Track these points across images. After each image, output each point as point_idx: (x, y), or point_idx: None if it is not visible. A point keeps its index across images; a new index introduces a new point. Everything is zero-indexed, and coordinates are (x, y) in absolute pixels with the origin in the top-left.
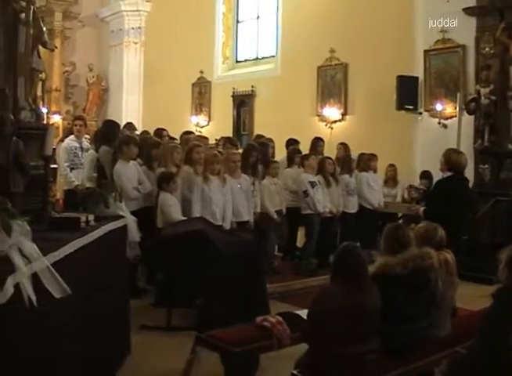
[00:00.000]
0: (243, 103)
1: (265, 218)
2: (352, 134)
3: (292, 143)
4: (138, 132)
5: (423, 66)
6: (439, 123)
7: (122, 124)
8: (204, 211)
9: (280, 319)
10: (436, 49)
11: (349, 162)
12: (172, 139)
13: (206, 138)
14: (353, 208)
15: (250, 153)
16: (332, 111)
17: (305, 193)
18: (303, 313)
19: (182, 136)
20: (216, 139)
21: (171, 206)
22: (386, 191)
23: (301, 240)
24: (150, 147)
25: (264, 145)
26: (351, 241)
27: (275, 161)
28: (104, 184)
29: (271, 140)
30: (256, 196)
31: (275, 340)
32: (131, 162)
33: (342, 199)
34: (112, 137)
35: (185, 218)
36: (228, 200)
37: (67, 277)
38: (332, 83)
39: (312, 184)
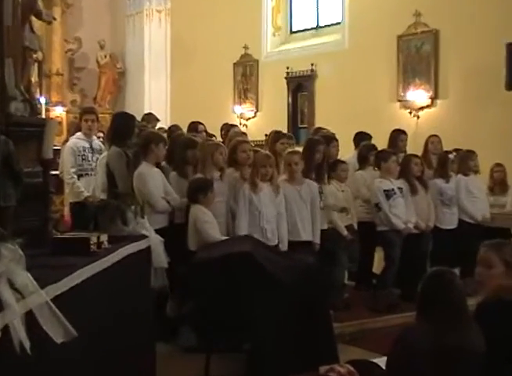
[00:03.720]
0: (300, 86)
1: (331, 236)
2: (445, 124)
3: (363, 138)
4: (161, 125)
5: None
6: None
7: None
8: (252, 229)
9: (352, 368)
10: None
11: (445, 162)
12: (210, 135)
13: (244, 133)
14: (450, 223)
15: (315, 150)
16: (418, 95)
17: (377, 206)
18: (381, 361)
19: (222, 130)
20: (266, 135)
21: (208, 222)
22: (492, 199)
23: (378, 264)
24: (184, 147)
25: (329, 139)
26: (445, 266)
27: (343, 162)
28: (122, 195)
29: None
30: (325, 207)
31: None
32: (156, 169)
33: (434, 210)
34: (125, 134)
35: (226, 237)
36: (282, 214)
37: (73, 316)
38: (417, 57)
39: (389, 193)
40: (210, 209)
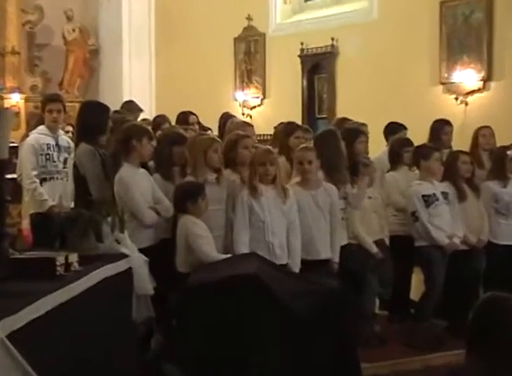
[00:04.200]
0: (317, 67)
1: (357, 255)
2: (499, 112)
3: (395, 130)
4: (145, 116)
5: None
6: None
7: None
8: (255, 244)
9: None
10: None
11: (501, 160)
12: (204, 129)
13: (249, 125)
14: (507, 237)
15: (330, 144)
16: (466, 76)
17: (414, 215)
18: None
19: (221, 121)
20: (275, 128)
21: (201, 237)
22: None
23: (417, 288)
24: (169, 143)
25: (351, 133)
26: (501, 290)
27: (370, 161)
28: (96, 204)
29: (363, 127)
30: (348, 217)
31: None
32: (141, 170)
33: (488, 221)
34: (96, 129)
35: (226, 256)
36: (294, 224)
37: (34, 356)
38: (466, 28)
39: (429, 200)
40: (204, 220)
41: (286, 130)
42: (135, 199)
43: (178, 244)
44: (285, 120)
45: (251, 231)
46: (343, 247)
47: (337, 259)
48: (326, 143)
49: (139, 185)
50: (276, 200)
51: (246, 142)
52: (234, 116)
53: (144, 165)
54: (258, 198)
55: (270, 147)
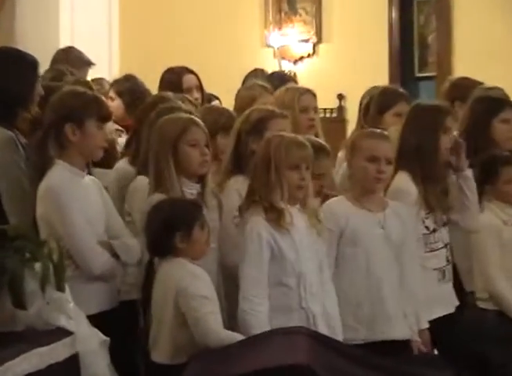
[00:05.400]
0: None
1: (492, 326)
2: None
3: None
4: (99, 75)
5: None
6: None
7: None
8: (281, 316)
9: None
10: None
11: None
12: (209, 98)
13: (298, 89)
14: None
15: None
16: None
17: None
18: None
19: (246, 82)
20: (341, 96)
21: (206, 302)
22: None
23: None
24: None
25: (491, 106)
26: None
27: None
28: (15, 237)
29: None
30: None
31: None
32: (88, 177)
33: None
34: (14, 99)
35: (241, 336)
36: (327, 275)
37: None
38: None
39: None
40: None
41: (383, 103)
42: (77, 230)
43: (157, 312)
44: (360, 82)
45: (273, 292)
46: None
47: (426, 337)
48: (419, 126)
49: (83, 202)
50: (309, 234)
51: (277, 122)
52: (262, 71)
53: (99, 165)
54: (288, 233)
55: (301, 137)
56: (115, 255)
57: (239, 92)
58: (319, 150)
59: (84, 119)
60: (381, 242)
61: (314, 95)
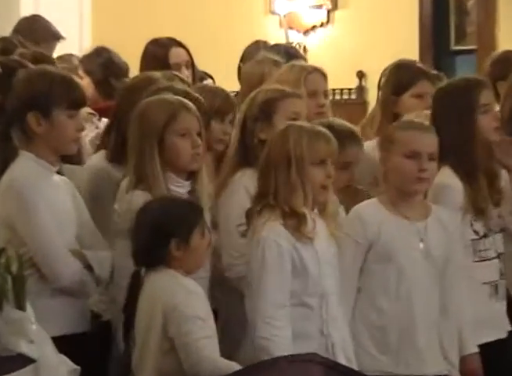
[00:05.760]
0: None
1: None
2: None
3: None
4: (70, 51)
5: None
6: None
7: None
8: (297, 342)
9: None
10: None
11: None
12: (201, 77)
13: (303, 67)
14: None
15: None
16: None
17: None
18: None
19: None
20: (360, 74)
21: (202, 325)
22: None
23: None
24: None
25: None
26: None
27: None
28: None
29: None
30: None
31: None
32: (59, 177)
33: None
34: None
35: (237, 367)
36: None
37: None
38: None
39: None
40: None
41: (399, 82)
42: (41, 228)
43: (141, 334)
44: (384, 56)
45: (291, 315)
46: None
47: (474, 365)
48: (447, 110)
49: (52, 201)
50: (329, 245)
51: (294, 104)
52: (264, 43)
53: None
54: (310, 243)
55: (320, 126)
56: (88, 267)
57: (244, 68)
58: (346, 134)
59: (50, 107)
60: (419, 258)
61: (324, 76)
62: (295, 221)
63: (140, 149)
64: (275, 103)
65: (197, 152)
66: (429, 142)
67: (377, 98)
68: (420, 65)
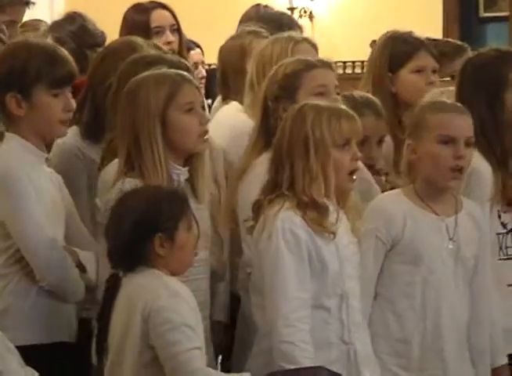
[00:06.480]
0: None
1: None
2: None
3: None
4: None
5: None
6: None
7: None
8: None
9: None
10: None
11: None
12: (190, 47)
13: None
14: None
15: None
16: None
17: None
18: None
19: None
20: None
21: (191, 336)
22: None
23: None
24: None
25: None
26: None
27: None
28: None
29: None
30: None
31: None
32: (49, 170)
33: None
34: None
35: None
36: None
37: None
38: None
39: None
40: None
41: (394, 56)
42: (30, 217)
43: (115, 345)
44: (404, 24)
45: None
46: None
47: None
48: (473, 87)
49: (42, 190)
50: (350, 243)
51: (322, 78)
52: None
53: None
54: (331, 239)
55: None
56: (79, 267)
57: (221, 47)
58: (366, 107)
59: (29, 86)
60: (448, 259)
61: (314, 46)
62: (315, 213)
63: (135, 133)
64: (299, 77)
65: (205, 129)
66: (465, 125)
67: (365, 78)
68: (416, 35)
